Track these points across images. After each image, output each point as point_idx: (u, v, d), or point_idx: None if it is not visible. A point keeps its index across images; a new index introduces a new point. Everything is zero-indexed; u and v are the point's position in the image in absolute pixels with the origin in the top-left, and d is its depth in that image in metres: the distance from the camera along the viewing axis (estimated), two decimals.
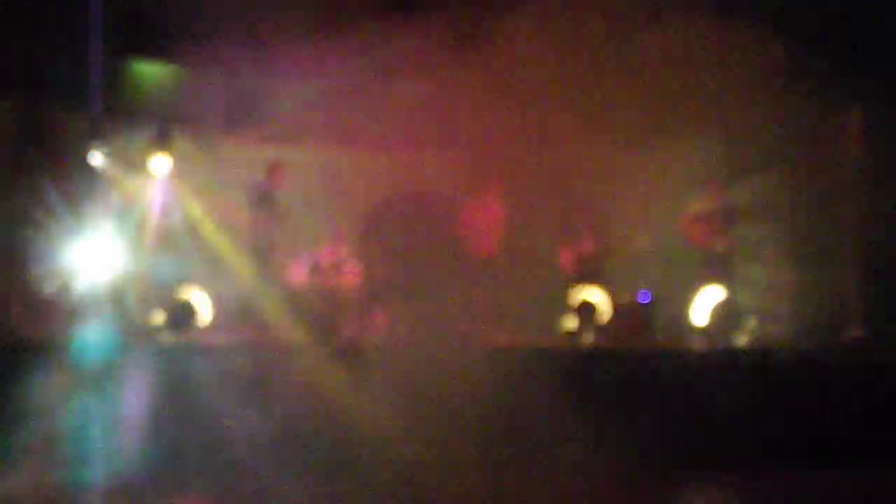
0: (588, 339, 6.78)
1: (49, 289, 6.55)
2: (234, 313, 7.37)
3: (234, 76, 8.63)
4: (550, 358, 5.84)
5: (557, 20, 6.56)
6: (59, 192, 7.03)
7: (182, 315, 6.66)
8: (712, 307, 6.95)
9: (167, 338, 6.47)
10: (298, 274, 8.57)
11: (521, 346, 6.67)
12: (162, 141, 7.09)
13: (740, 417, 5.40)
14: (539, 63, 6.94)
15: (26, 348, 5.62)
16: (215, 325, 7.15)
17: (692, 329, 7.30)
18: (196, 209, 7.84)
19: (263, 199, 7.72)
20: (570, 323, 6.92)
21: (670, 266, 10.04)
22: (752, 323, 7.00)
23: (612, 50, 7.10)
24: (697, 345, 6.89)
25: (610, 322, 7.33)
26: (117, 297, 6.97)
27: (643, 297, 7.59)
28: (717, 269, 7.98)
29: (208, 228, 7.68)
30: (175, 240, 7.35)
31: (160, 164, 7.16)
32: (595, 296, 7.42)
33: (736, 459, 5.22)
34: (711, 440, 5.32)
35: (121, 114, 7.14)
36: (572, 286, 8.13)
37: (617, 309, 7.43)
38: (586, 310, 7.07)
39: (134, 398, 5.23)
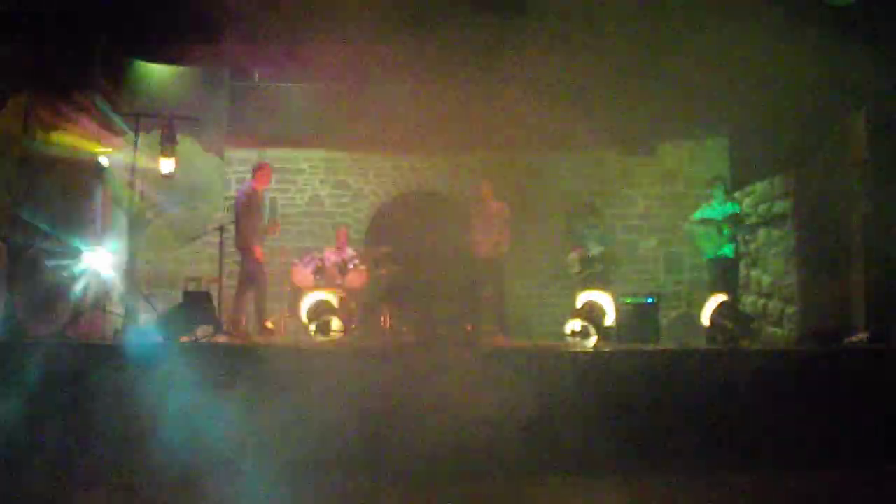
0: (592, 340, 6.78)
1: (55, 288, 6.57)
2: None
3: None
4: (554, 359, 5.82)
5: (567, 24, 6.58)
6: (66, 192, 7.07)
7: None
8: (717, 309, 6.95)
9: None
10: (302, 274, 8.60)
11: (524, 347, 6.66)
12: (169, 141, 7.09)
13: (744, 419, 5.40)
14: (549, 67, 6.96)
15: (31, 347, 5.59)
16: None
17: (697, 330, 7.31)
18: None
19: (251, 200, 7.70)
20: (575, 324, 6.91)
21: (675, 268, 10.13)
22: (756, 325, 7.00)
23: (619, 54, 7.13)
24: (702, 346, 6.90)
25: (614, 324, 7.35)
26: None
27: (647, 299, 7.60)
28: (722, 272, 8.01)
29: None
30: None
31: (167, 164, 7.17)
32: (600, 297, 7.42)
33: (739, 460, 5.22)
34: (714, 441, 5.32)
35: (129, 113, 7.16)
36: (577, 288, 8.16)
37: (621, 311, 7.45)
38: (591, 311, 7.07)
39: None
